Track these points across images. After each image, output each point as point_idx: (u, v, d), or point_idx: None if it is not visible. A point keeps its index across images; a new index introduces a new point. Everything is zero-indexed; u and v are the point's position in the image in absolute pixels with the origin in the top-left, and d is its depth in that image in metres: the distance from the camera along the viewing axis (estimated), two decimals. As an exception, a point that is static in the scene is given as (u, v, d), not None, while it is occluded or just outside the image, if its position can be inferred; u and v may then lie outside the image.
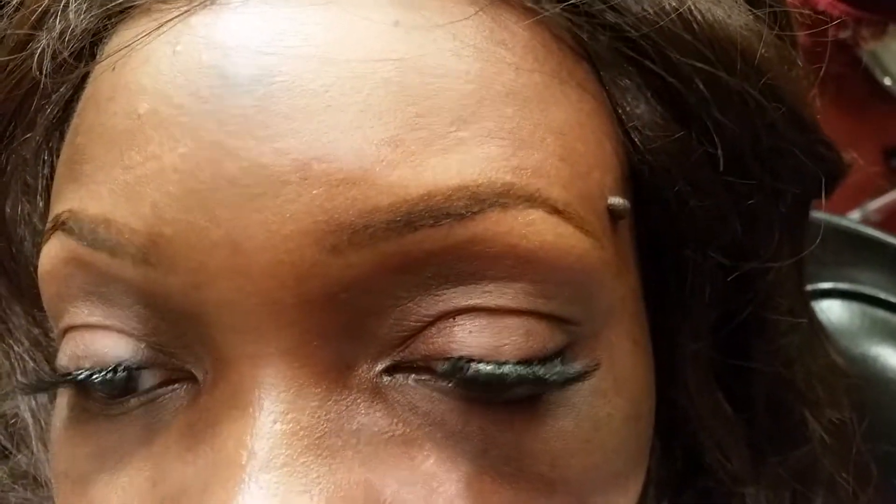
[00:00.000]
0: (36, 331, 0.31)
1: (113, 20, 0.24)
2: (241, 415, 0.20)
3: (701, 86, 0.23)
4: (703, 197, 0.24)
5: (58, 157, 0.25)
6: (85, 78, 0.24)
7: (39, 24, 0.25)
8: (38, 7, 0.25)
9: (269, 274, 0.20)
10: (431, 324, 0.21)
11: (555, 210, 0.21)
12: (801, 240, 0.28)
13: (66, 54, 0.24)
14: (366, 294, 0.20)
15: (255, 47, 0.21)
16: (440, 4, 0.22)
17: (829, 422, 0.30)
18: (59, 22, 0.24)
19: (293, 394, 0.20)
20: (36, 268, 0.24)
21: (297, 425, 0.20)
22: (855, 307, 0.40)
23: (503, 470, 0.21)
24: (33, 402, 0.32)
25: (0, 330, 0.31)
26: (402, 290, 0.21)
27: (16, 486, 0.32)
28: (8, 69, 0.25)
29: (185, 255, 0.20)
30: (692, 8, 0.23)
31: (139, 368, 0.22)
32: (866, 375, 0.36)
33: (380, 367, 0.21)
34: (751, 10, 0.25)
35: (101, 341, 0.22)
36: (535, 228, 0.21)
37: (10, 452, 0.33)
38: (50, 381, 0.23)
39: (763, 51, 0.24)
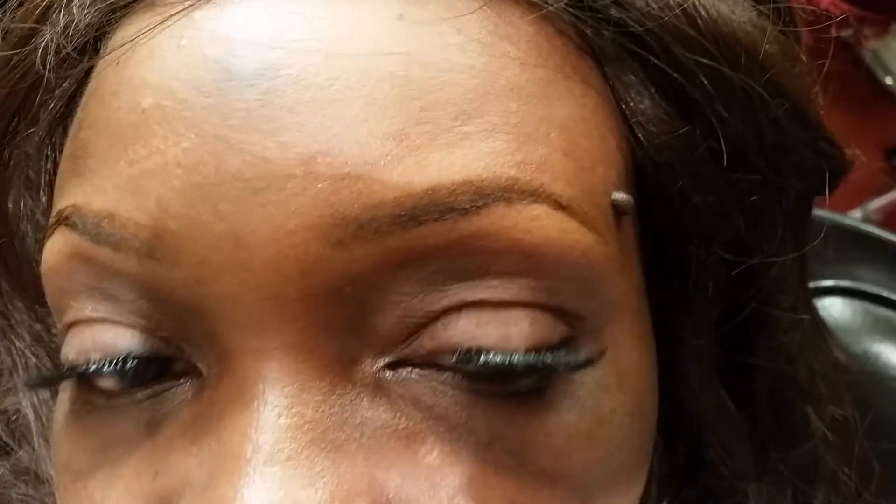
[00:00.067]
0: (38, 326, 0.31)
1: (117, 15, 0.24)
2: (246, 408, 0.20)
3: (705, 81, 0.23)
4: (707, 193, 0.24)
5: (60, 152, 0.25)
6: (88, 73, 0.24)
7: (43, 18, 0.25)
8: (42, 2, 0.25)
9: (273, 268, 0.20)
10: (436, 319, 0.21)
11: (559, 205, 0.21)
12: (803, 236, 0.28)
13: (69, 49, 0.24)
14: (370, 289, 0.20)
15: (260, 41, 0.21)
16: None
17: (832, 419, 0.30)
18: (63, 16, 0.24)
19: (297, 388, 0.20)
20: (38, 263, 0.24)
21: (302, 419, 0.20)
22: (857, 305, 0.40)
23: (506, 463, 0.21)
24: (35, 398, 0.32)
25: (2, 326, 0.31)
26: (406, 285, 0.21)
27: (17, 483, 0.32)
28: (11, 64, 0.25)
29: (189, 249, 0.20)
30: (696, 4, 0.23)
31: (148, 360, 0.22)
32: (868, 373, 0.36)
33: (383, 361, 0.21)
34: (755, 6, 0.25)
35: (108, 334, 0.22)
36: (539, 223, 0.21)
37: (12, 449, 0.33)
38: (58, 374, 0.23)
39: (767, 47, 0.24)
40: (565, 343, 0.21)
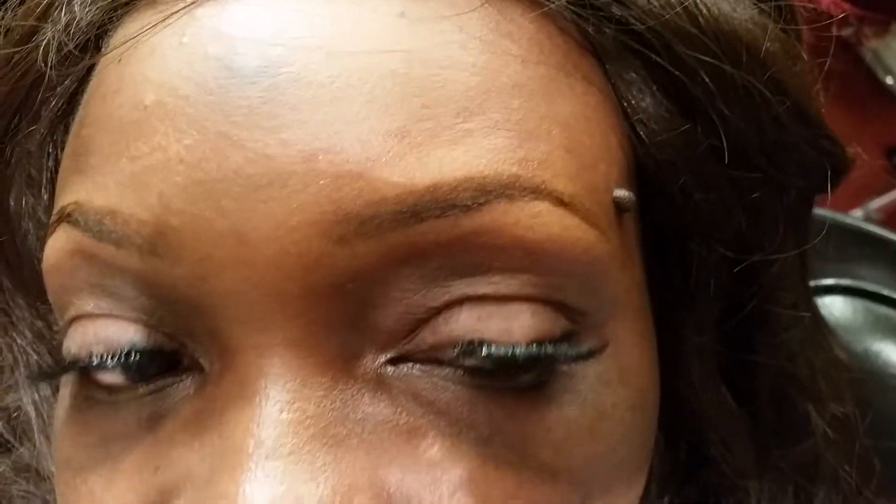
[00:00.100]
0: (39, 323, 0.31)
1: (118, 12, 0.24)
2: (248, 404, 0.20)
3: (706, 79, 0.23)
4: (708, 190, 0.24)
5: (62, 150, 0.25)
6: (90, 71, 0.24)
7: (45, 16, 0.25)
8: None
9: (275, 265, 0.20)
10: (438, 313, 0.21)
11: (561, 202, 0.21)
12: (804, 234, 0.28)
13: (71, 46, 0.24)
14: (372, 285, 0.20)
15: (262, 39, 0.21)
16: None
17: (833, 416, 0.30)
18: (65, 14, 0.24)
19: (299, 383, 0.20)
20: (40, 261, 0.24)
21: (303, 414, 0.20)
22: (858, 303, 0.40)
23: (507, 458, 0.21)
24: (36, 395, 0.32)
25: (3, 323, 0.31)
26: (408, 282, 0.21)
27: (18, 480, 0.32)
28: (13, 61, 0.25)
29: (192, 245, 0.20)
30: (698, 1, 0.23)
31: (150, 355, 0.22)
32: (869, 371, 0.37)
33: (385, 357, 0.21)
34: (756, 4, 0.25)
35: (110, 328, 0.22)
36: (541, 220, 0.21)
37: (13, 446, 0.33)
38: (60, 368, 0.23)
39: (768, 44, 0.24)
40: (567, 337, 0.21)
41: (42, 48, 0.24)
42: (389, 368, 0.21)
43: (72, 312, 0.23)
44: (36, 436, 0.32)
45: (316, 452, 0.20)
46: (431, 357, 0.21)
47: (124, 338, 0.22)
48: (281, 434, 0.20)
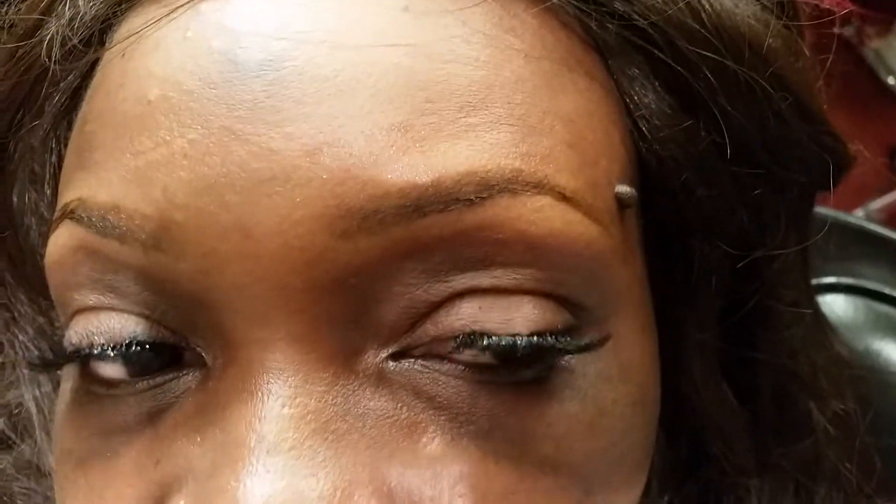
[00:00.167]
0: (41, 319, 0.31)
1: (122, 7, 0.24)
2: (250, 398, 0.20)
3: (709, 75, 0.23)
4: (710, 186, 0.24)
5: (65, 145, 0.25)
6: (94, 66, 0.24)
7: (49, 10, 0.25)
8: None
9: (278, 259, 0.20)
10: (440, 305, 0.21)
11: (563, 197, 0.21)
12: (806, 231, 0.28)
13: (75, 41, 0.24)
14: (375, 280, 0.20)
15: (266, 32, 0.21)
16: None
17: (834, 414, 0.30)
18: (69, 9, 0.24)
19: (301, 378, 0.20)
20: (42, 257, 0.24)
21: (305, 409, 0.20)
22: (859, 302, 0.40)
23: (508, 452, 0.21)
24: (37, 392, 0.32)
25: (5, 319, 0.31)
26: (410, 276, 0.21)
27: (19, 476, 0.33)
28: (17, 56, 0.25)
29: (196, 240, 0.20)
30: None
31: (152, 348, 0.22)
32: (869, 370, 0.36)
33: (386, 352, 0.21)
34: (758, 1, 0.25)
35: (113, 319, 0.22)
36: (543, 215, 0.21)
37: (14, 442, 0.33)
38: (63, 357, 0.23)
39: (770, 41, 0.24)
40: (568, 331, 0.22)
41: (46, 43, 0.24)
42: (391, 364, 0.21)
43: (74, 307, 0.23)
44: (37, 432, 0.32)
45: (317, 448, 0.20)
46: (433, 351, 0.21)
47: (126, 330, 0.22)
48: (282, 429, 0.20)
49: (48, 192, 0.28)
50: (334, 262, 0.20)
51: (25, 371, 0.32)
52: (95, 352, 0.22)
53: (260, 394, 0.20)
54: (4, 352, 0.32)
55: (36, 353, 0.31)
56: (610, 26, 0.23)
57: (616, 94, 0.24)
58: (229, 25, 0.21)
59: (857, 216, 0.46)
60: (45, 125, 0.26)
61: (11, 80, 0.26)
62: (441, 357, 0.21)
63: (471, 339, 0.21)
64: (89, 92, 0.24)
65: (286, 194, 0.20)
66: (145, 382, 0.22)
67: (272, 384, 0.20)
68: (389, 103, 0.20)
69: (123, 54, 0.23)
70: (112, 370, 0.22)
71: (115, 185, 0.21)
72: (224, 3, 0.22)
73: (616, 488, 0.23)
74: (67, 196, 0.23)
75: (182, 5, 0.22)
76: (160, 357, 0.22)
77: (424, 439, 0.21)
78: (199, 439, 0.21)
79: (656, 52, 0.23)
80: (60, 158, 0.27)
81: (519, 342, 0.21)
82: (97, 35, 0.24)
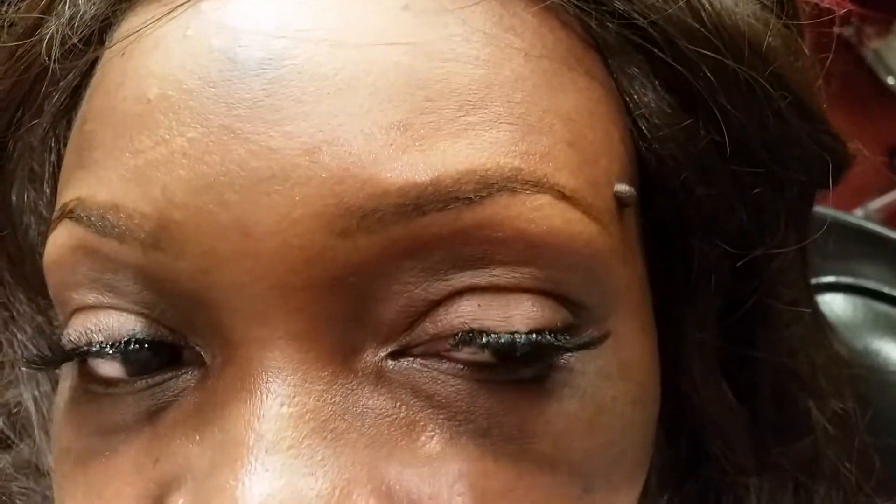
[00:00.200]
0: (40, 318, 0.31)
1: (122, 6, 0.24)
2: (249, 397, 0.20)
3: (708, 74, 0.23)
4: (710, 185, 0.24)
5: (65, 145, 0.25)
6: (94, 65, 0.24)
7: (49, 9, 0.25)
8: None
9: (278, 258, 0.20)
10: (439, 304, 0.21)
11: (562, 195, 0.21)
12: (805, 230, 0.28)
13: (75, 40, 0.24)
14: (374, 278, 0.20)
15: (266, 31, 0.21)
16: None
17: (833, 413, 0.30)
18: (69, 8, 0.24)
19: (300, 377, 0.20)
20: (41, 256, 0.24)
21: (304, 408, 0.20)
22: (858, 301, 0.40)
23: (506, 450, 0.21)
24: (36, 391, 0.32)
25: (4, 318, 0.31)
26: (409, 275, 0.21)
27: (18, 476, 0.33)
28: (16, 55, 0.25)
29: (195, 239, 0.20)
30: None
31: (150, 346, 0.22)
32: (869, 369, 0.36)
33: (385, 351, 0.21)
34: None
35: (112, 317, 0.22)
36: (542, 213, 0.21)
37: (13, 442, 0.33)
38: (61, 356, 0.23)
39: (770, 40, 0.24)
40: (567, 329, 0.22)
41: (45, 42, 0.24)
42: (390, 362, 0.21)
43: (72, 306, 0.23)
44: (36, 432, 0.32)
45: (315, 446, 0.20)
46: (432, 350, 0.21)
47: (125, 328, 0.22)
48: (281, 428, 0.20)
49: (47, 190, 0.28)
50: (333, 261, 0.20)
51: (24, 370, 0.32)
52: (94, 349, 0.22)
53: (259, 393, 0.20)
54: (3, 351, 0.32)
55: (35, 352, 0.31)
56: (610, 25, 0.23)
57: (616, 93, 0.24)
58: (229, 24, 0.21)
59: (857, 215, 0.46)
60: (45, 124, 0.26)
61: (11, 79, 0.26)
62: (440, 356, 0.21)
63: (470, 336, 0.21)
64: (89, 91, 0.24)
65: (285, 193, 0.20)
66: (144, 381, 0.22)
67: (271, 383, 0.20)
68: (389, 102, 0.20)
69: (123, 53, 0.23)
70: (111, 369, 0.22)
71: (115, 185, 0.21)
72: (224, 2, 0.22)
73: (616, 487, 0.23)
74: (66, 195, 0.23)
75: (182, 4, 0.22)
76: (159, 356, 0.22)
77: (423, 438, 0.21)
78: (197, 438, 0.21)
79: (656, 51, 0.23)
80: (60, 157, 0.27)
81: (518, 340, 0.21)
82: (97, 34, 0.24)
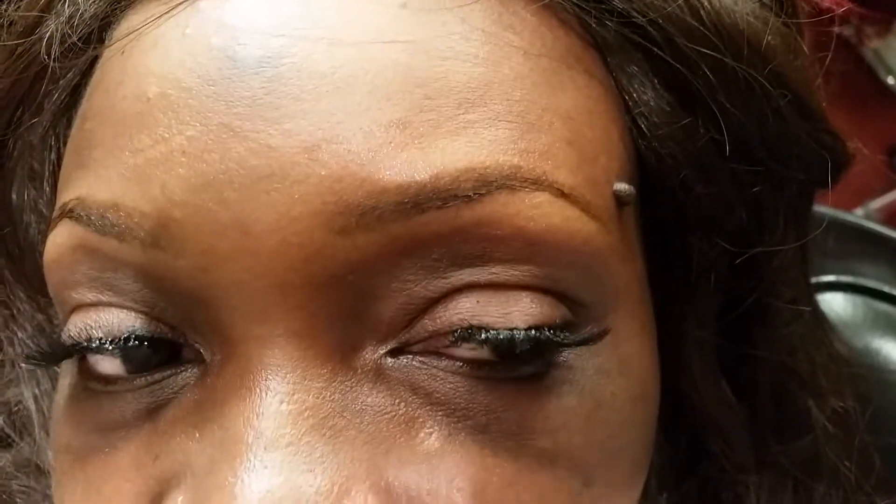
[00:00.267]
0: (40, 317, 0.31)
1: (122, 4, 0.24)
2: (248, 395, 0.20)
3: (708, 72, 0.23)
4: (709, 184, 0.24)
5: (65, 143, 0.25)
6: (93, 63, 0.24)
7: (48, 8, 0.25)
8: None
9: (277, 256, 0.20)
10: (438, 301, 0.21)
11: (561, 193, 0.21)
12: (805, 228, 0.28)
13: (74, 38, 0.24)
14: (373, 276, 0.20)
15: (264, 30, 0.21)
16: None
17: (833, 411, 0.30)
18: (68, 6, 0.24)
19: (299, 375, 0.20)
20: (41, 254, 0.24)
21: (303, 406, 0.20)
22: (858, 300, 0.40)
23: (505, 445, 0.21)
24: (36, 390, 0.32)
25: (4, 316, 0.31)
26: (409, 272, 0.21)
27: (18, 475, 0.33)
28: (16, 53, 0.25)
29: (195, 237, 0.20)
30: None
31: (150, 343, 0.22)
32: (869, 368, 0.36)
33: (385, 349, 0.21)
34: None
35: (112, 314, 0.22)
36: (541, 211, 0.21)
37: (13, 440, 0.33)
38: (61, 352, 0.23)
39: (769, 38, 0.24)
40: (567, 326, 0.22)
41: (45, 40, 0.24)
42: (389, 360, 0.21)
43: (72, 305, 0.23)
44: (36, 431, 0.32)
45: (314, 444, 0.20)
46: (431, 348, 0.21)
47: (125, 324, 0.22)
48: (280, 425, 0.20)
49: (47, 189, 0.28)
50: (332, 259, 0.20)
51: (25, 368, 0.32)
52: (93, 345, 0.22)
53: (258, 390, 0.20)
54: (3, 349, 0.32)
55: (35, 350, 0.31)
56: (609, 24, 0.23)
57: (615, 92, 0.24)
58: (228, 22, 0.21)
59: (857, 214, 0.46)
60: (45, 123, 0.26)
61: (11, 78, 0.26)
62: (439, 353, 0.21)
63: (469, 332, 0.21)
64: (89, 89, 0.24)
65: (284, 191, 0.20)
66: (143, 379, 0.22)
67: (270, 380, 0.20)
68: (388, 100, 0.20)
69: (123, 52, 0.23)
70: (110, 366, 0.22)
71: (114, 183, 0.21)
72: (223, 1, 0.22)
73: (616, 484, 0.23)
74: (66, 195, 0.23)
75: (181, 3, 0.22)
76: (158, 353, 0.22)
77: (422, 435, 0.21)
78: (197, 435, 0.21)
79: (655, 49, 0.23)
80: (60, 156, 0.27)
81: (517, 336, 0.21)
82: (96, 32, 0.24)
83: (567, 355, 0.22)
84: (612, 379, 0.23)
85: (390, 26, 0.21)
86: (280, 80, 0.20)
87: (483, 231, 0.20)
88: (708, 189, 0.24)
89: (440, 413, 0.21)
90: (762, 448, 0.29)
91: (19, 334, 0.31)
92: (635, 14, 0.23)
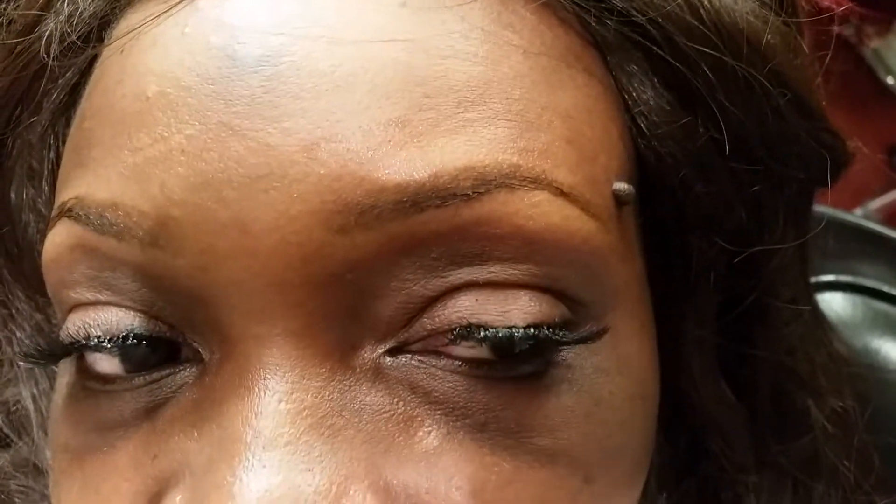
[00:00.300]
0: (38, 316, 0.31)
1: (121, 3, 0.24)
2: (247, 394, 0.20)
3: (707, 71, 0.23)
4: (709, 183, 0.24)
5: (64, 142, 0.25)
6: (92, 62, 0.24)
7: (48, 6, 0.25)
8: None
9: (276, 255, 0.20)
10: (437, 300, 0.21)
11: (561, 192, 0.21)
12: (804, 228, 0.28)
13: (74, 37, 0.24)
14: (371, 275, 0.20)
15: (264, 28, 0.21)
16: None
17: (832, 411, 0.30)
18: (68, 5, 0.24)
19: (298, 374, 0.20)
20: (40, 253, 0.24)
21: (301, 405, 0.20)
22: (857, 300, 0.40)
23: (504, 443, 0.21)
24: (35, 389, 0.32)
25: (2, 316, 0.31)
26: (407, 271, 0.21)
27: (17, 474, 0.33)
28: (16, 52, 0.25)
29: (194, 236, 0.20)
30: None
31: (148, 342, 0.22)
32: (868, 368, 0.36)
33: (383, 348, 0.21)
34: None
35: (111, 312, 0.22)
36: (541, 210, 0.21)
37: (12, 440, 0.33)
38: (60, 350, 0.23)
39: (769, 37, 0.24)
40: (565, 325, 0.22)
41: (44, 39, 0.24)
42: (387, 359, 0.21)
43: (71, 304, 0.23)
44: (34, 430, 0.32)
45: (313, 443, 0.20)
46: (430, 347, 0.21)
47: (123, 323, 0.22)
48: (279, 424, 0.20)
49: (46, 188, 0.28)
50: (331, 258, 0.20)
51: (23, 368, 0.32)
52: (92, 344, 0.22)
53: (256, 389, 0.20)
54: (2, 349, 0.32)
55: (33, 349, 0.31)
56: (608, 22, 0.23)
57: (615, 91, 0.24)
58: (227, 21, 0.21)
59: (856, 214, 0.46)
60: (44, 121, 0.26)
61: (10, 76, 0.26)
62: (438, 353, 0.21)
63: (468, 331, 0.21)
64: (88, 88, 0.24)
65: (283, 190, 0.20)
66: (142, 378, 0.22)
67: (269, 380, 0.20)
68: (387, 99, 0.20)
69: (122, 51, 0.23)
70: (108, 365, 0.22)
71: (113, 183, 0.21)
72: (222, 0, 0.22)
73: (617, 484, 0.23)
74: (65, 194, 0.23)
75: (180, 2, 0.22)
76: (157, 352, 0.22)
77: (420, 433, 0.21)
78: (195, 434, 0.21)
79: (655, 48, 0.23)
80: (59, 155, 0.27)
81: (516, 334, 0.21)
82: (96, 31, 0.24)
83: (566, 354, 0.22)
84: (611, 378, 0.23)
85: (390, 25, 0.21)
86: (279, 79, 0.20)
87: (482, 230, 0.20)
88: (707, 188, 0.24)
89: (439, 412, 0.21)
90: (762, 448, 0.29)
91: (18, 334, 0.31)
92: (635, 13, 0.23)
